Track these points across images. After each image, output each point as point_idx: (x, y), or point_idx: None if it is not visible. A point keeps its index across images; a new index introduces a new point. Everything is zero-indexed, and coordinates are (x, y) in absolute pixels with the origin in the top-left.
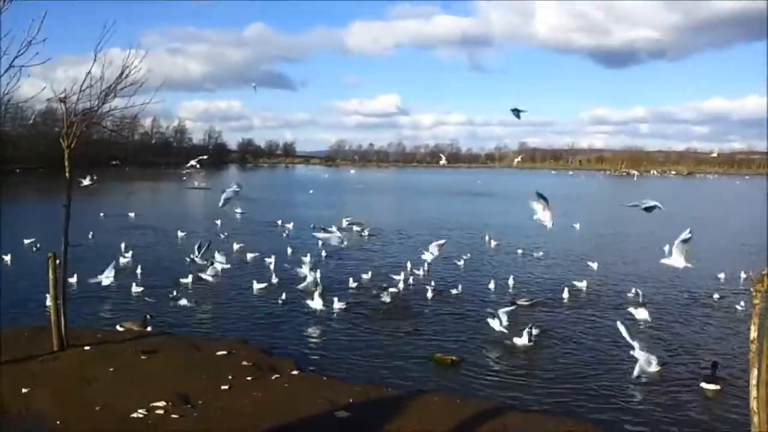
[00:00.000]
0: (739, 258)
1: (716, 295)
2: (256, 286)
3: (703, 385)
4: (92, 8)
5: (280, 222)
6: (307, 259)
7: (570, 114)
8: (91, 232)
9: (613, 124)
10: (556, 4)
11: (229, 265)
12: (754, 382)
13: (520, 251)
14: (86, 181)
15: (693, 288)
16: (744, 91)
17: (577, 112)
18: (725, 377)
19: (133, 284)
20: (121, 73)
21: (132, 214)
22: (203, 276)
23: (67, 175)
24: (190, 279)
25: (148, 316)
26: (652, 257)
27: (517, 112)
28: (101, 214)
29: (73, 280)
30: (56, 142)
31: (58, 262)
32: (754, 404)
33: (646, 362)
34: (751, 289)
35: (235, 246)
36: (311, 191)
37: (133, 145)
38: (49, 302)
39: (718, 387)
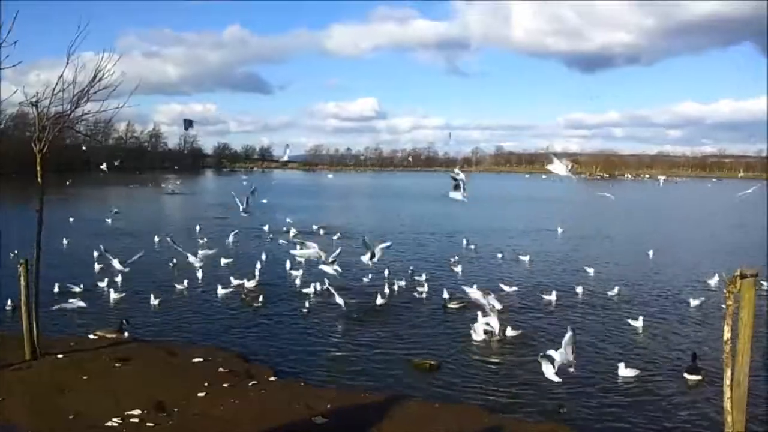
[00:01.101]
0: (720, 258)
1: (700, 296)
2: (221, 291)
3: (686, 375)
4: (66, 10)
5: (266, 228)
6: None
7: (546, 118)
8: (65, 239)
9: (588, 127)
10: (532, 8)
11: (201, 271)
12: (727, 382)
13: (500, 255)
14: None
15: (678, 287)
16: (717, 96)
17: (553, 116)
18: (708, 369)
19: (108, 291)
20: (94, 77)
21: (109, 220)
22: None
23: (39, 180)
24: (166, 285)
25: (124, 321)
26: (635, 259)
27: (188, 123)
28: (70, 219)
29: (56, 290)
30: (28, 146)
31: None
32: (727, 404)
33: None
34: (725, 291)
35: (214, 251)
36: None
37: (107, 149)
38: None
39: (699, 377)
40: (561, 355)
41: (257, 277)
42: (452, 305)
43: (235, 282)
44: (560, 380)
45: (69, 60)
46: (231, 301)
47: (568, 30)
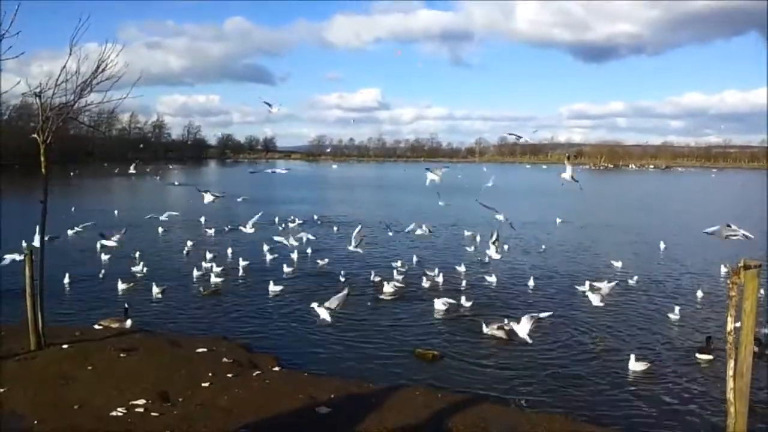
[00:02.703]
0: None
1: (708, 286)
2: (226, 281)
3: (698, 355)
4: (69, 1)
5: (276, 219)
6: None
7: (550, 109)
8: (69, 230)
9: (591, 118)
10: None
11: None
12: (731, 373)
13: (506, 246)
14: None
15: (690, 277)
16: (721, 87)
17: (556, 107)
18: (719, 349)
19: (112, 282)
20: (97, 68)
21: (116, 212)
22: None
23: (43, 170)
24: (170, 276)
25: (126, 305)
26: (640, 248)
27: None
28: (72, 208)
29: (66, 280)
30: (32, 137)
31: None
32: (730, 395)
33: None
34: (728, 282)
35: (220, 242)
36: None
37: (111, 140)
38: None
39: (711, 357)
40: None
41: (244, 265)
42: (384, 296)
43: (237, 275)
44: (565, 369)
45: (72, 51)
46: (235, 291)
47: (573, 21)
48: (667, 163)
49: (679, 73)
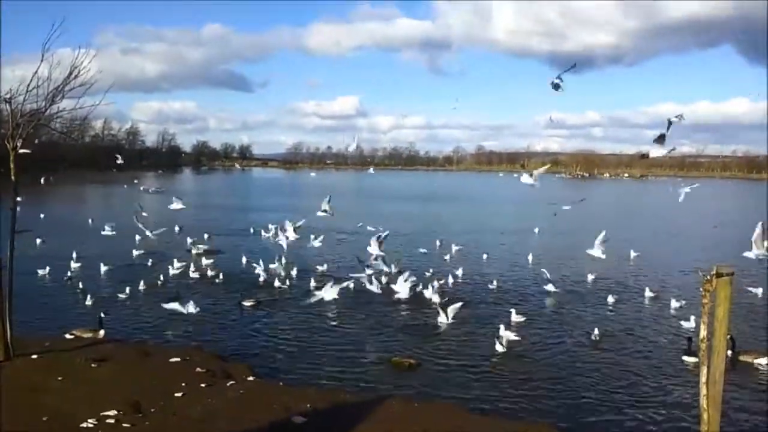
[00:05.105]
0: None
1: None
2: (199, 290)
3: (684, 357)
4: (43, 4)
5: (251, 229)
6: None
7: (526, 117)
8: (38, 239)
9: (568, 127)
10: (514, 8)
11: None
12: (703, 380)
13: (485, 256)
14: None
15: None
16: (695, 97)
17: (533, 115)
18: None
19: (84, 290)
20: (70, 74)
21: (90, 220)
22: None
23: (12, 177)
24: (142, 285)
25: (102, 314)
26: (611, 258)
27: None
28: (41, 215)
29: (35, 289)
30: (1, 144)
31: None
32: (703, 402)
33: None
34: (701, 289)
35: (194, 251)
36: None
37: (83, 147)
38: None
39: (697, 359)
40: None
41: (219, 273)
42: (246, 303)
43: (218, 283)
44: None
45: (44, 56)
46: (209, 300)
47: (550, 30)
48: (642, 173)
49: (654, 83)
